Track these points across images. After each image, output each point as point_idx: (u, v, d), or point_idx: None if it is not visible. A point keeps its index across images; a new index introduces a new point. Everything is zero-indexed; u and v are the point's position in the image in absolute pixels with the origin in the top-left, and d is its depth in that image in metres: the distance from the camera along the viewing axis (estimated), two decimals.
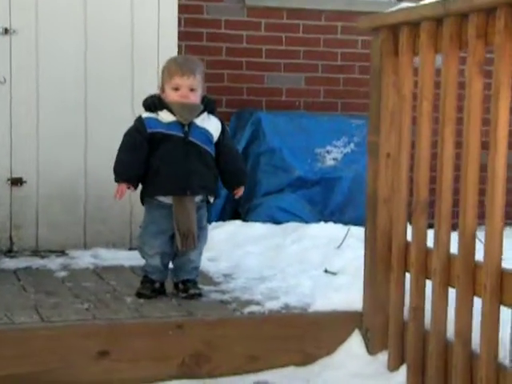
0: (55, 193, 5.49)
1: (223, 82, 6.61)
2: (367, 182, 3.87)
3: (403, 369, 3.60)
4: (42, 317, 3.69)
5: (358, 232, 5.25)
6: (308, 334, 3.83)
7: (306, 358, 3.82)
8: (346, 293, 4.01)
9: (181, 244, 4.10)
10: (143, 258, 4.31)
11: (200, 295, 4.17)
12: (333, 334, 3.86)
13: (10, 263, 5.01)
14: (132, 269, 4.96)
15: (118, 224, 5.62)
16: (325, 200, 6.11)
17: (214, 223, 5.74)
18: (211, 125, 4.17)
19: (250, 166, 6.02)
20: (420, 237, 3.48)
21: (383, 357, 3.74)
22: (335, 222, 5.96)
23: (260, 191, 6.04)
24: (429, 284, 3.48)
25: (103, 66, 5.54)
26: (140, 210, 5.58)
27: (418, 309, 3.49)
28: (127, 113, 5.55)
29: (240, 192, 4.31)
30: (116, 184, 4.24)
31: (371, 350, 3.80)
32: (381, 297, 3.77)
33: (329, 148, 6.16)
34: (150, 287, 4.21)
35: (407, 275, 3.64)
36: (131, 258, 5.23)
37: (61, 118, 5.49)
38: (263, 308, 3.94)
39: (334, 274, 4.53)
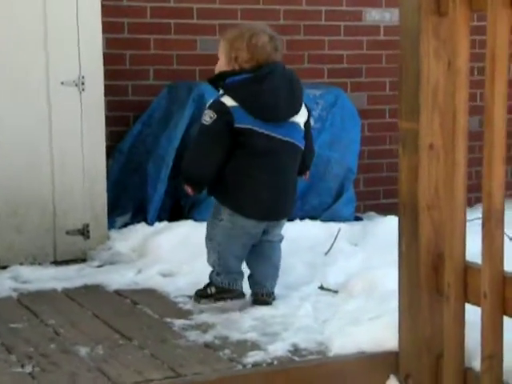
0: None
1: (149, 49, 5.52)
2: (401, 183, 2.93)
3: None
4: None
5: (346, 231, 4.36)
6: None
7: None
8: (369, 326, 3.08)
9: None
10: None
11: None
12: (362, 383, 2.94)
13: None
14: (67, 294, 3.90)
15: (38, 232, 4.52)
16: None
17: (157, 224, 4.71)
18: None
19: None
20: (496, 258, 2.58)
21: None
22: (297, 212, 5.05)
23: None
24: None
25: (8, 42, 4.38)
26: (65, 212, 4.57)
27: (496, 356, 2.61)
28: (42, 97, 4.47)
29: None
30: None
31: None
32: (426, 333, 2.87)
33: None
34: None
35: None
36: (61, 277, 4.19)
37: None
38: (267, 354, 2.98)
39: (334, 292, 3.62)
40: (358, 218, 5.40)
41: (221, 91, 3.51)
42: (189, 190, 3.53)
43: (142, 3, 5.45)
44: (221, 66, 3.56)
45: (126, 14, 5.40)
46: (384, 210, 5.97)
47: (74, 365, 2.90)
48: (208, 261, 3.62)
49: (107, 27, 5.16)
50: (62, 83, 4.49)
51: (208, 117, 3.41)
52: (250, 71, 3.48)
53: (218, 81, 3.54)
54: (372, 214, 5.88)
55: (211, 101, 3.52)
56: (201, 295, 3.61)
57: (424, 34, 2.77)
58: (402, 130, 2.91)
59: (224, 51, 3.53)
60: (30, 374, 2.81)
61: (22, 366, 2.87)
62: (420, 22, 2.77)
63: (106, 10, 4.88)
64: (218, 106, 3.43)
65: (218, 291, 3.56)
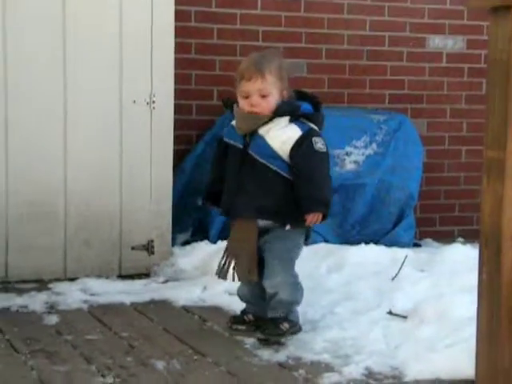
0: (29, 210, 4.41)
1: (214, 70, 5.60)
2: (484, 212, 2.95)
3: None
4: None
5: (411, 256, 4.36)
6: None
7: None
8: (445, 352, 3.09)
9: (217, 270, 3.49)
10: None
11: (278, 343, 3.37)
12: None
13: None
14: (135, 308, 3.95)
15: (105, 246, 4.59)
16: (344, 211, 5.18)
17: (219, 242, 4.75)
18: (276, 136, 3.34)
19: None
20: None
21: None
22: (356, 236, 5.12)
23: None
24: None
25: (86, 60, 4.47)
26: (130, 228, 4.64)
27: None
28: (114, 115, 4.56)
29: (308, 220, 3.34)
30: None
31: None
32: (505, 363, 2.87)
33: (348, 149, 5.23)
34: (239, 317, 3.57)
35: None
36: (129, 291, 4.25)
37: (33, 121, 4.41)
38: (342, 376, 3.00)
39: (403, 317, 3.62)
40: (416, 245, 5.42)
41: (284, 119, 3.34)
42: (322, 218, 3.37)
43: (209, 25, 5.54)
44: (274, 101, 3.35)
45: (193, 35, 5.49)
46: (440, 237, 5.99)
47: (153, 378, 2.95)
48: (289, 297, 3.40)
49: (176, 47, 5.27)
50: (134, 102, 4.57)
51: (321, 144, 3.33)
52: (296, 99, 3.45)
53: (293, 112, 3.37)
54: (428, 240, 5.90)
55: (304, 128, 3.33)
56: (278, 334, 3.38)
57: None
58: (488, 159, 2.92)
59: (275, 84, 3.35)
60: None
61: (103, 377, 2.93)
62: (510, 54, 2.80)
63: (175, 31, 4.97)
64: (318, 133, 3.39)
65: (290, 326, 3.43)
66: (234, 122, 3.49)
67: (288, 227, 3.38)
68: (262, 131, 3.34)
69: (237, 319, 3.55)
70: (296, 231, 3.41)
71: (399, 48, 5.98)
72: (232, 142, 3.43)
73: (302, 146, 3.31)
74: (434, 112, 6.09)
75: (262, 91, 3.31)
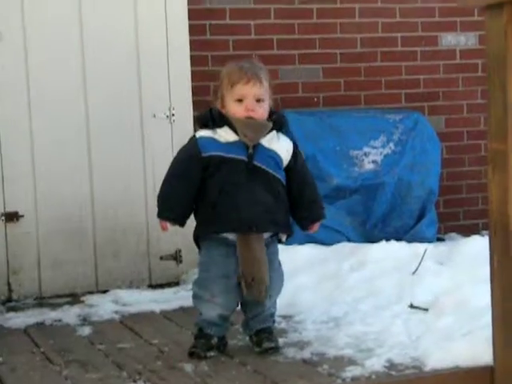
0: (58, 226, 4.59)
1: None
2: (491, 202, 3.04)
3: None
4: None
5: (431, 250, 4.45)
6: None
7: None
8: (463, 341, 3.19)
9: (247, 293, 3.30)
10: (197, 307, 3.48)
11: (277, 349, 3.37)
12: None
13: (16, 319, 4.08)
14: (165, 315, 4.09)
15: (134, 257, 4.75)
16: (366, 210, 5.28)
17: None
18: (280, 146, 3.38)
19: None
20: None
21: None
22: (379, 234, 5.20)
23: None
24: None
25: (105, 77, 4.66)
26: (158, 238, 4.78)
27: None
28: (136, 129, 4.73)
29: (315, 228, 3.48)
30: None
31: None
32: None
33: (366, 150, 5.33)
34: (206, 344, 3.37)
35: None
36: (158, 300, 4.39)
37: (59, 137, 4.60)
38: (364, 369, 3.11)
39: (424, 310, 3.71)
40: (439, 239, 5.50)
41: (273, 130, 3.34)
42: None
43: (224, 36, 5.67)
44: (267, 108, 3.32)
45: (209, 48, 5.62)
46: (465, 231, 6.05)
47: (182, 380, 3.08)
48: (276, 309, 3.50)
49: (192, 60, 5.41)
50: (154, 116, 4.72)
51: None
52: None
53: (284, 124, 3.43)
54: (453, 234, 5.97)
55: (290, 139, 3.42)
56: (276, 346, 3.37)
57: (510, 58, 2.89)
58: (492, 151, 3.02)
59: (267, 91, 3.33)
60: None
61: (134, 382, 3.06)
62: (506, 47, 2.89)
63: (191, 44, 5.12)
64: None
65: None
66: (206, 134, 3.29)
67: (284, 239, 3.47)
68: (264, 141, 3.30)
69: (205, 345, 3.34)
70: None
71: (412, 48, 6.07)
72: (231, 155, 3.26)
73: (298, 156, 3.41)
74: (450, 108, 6.16)
75: (258, 96, 3.25)
